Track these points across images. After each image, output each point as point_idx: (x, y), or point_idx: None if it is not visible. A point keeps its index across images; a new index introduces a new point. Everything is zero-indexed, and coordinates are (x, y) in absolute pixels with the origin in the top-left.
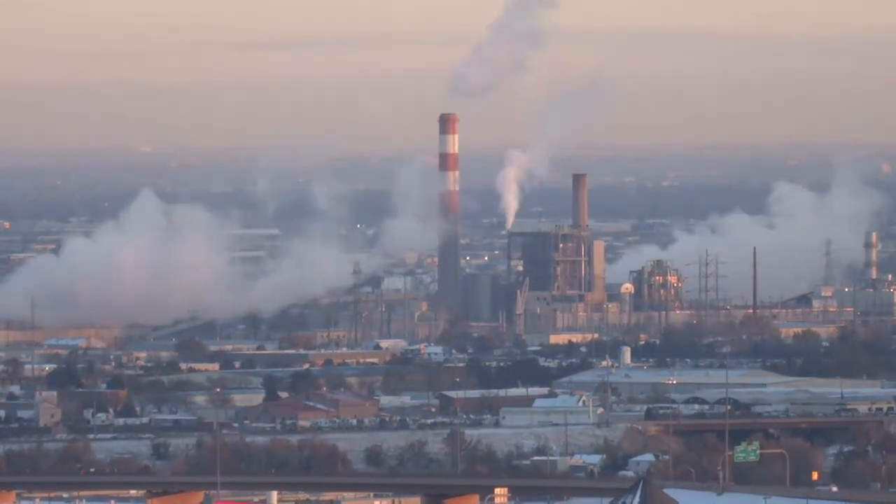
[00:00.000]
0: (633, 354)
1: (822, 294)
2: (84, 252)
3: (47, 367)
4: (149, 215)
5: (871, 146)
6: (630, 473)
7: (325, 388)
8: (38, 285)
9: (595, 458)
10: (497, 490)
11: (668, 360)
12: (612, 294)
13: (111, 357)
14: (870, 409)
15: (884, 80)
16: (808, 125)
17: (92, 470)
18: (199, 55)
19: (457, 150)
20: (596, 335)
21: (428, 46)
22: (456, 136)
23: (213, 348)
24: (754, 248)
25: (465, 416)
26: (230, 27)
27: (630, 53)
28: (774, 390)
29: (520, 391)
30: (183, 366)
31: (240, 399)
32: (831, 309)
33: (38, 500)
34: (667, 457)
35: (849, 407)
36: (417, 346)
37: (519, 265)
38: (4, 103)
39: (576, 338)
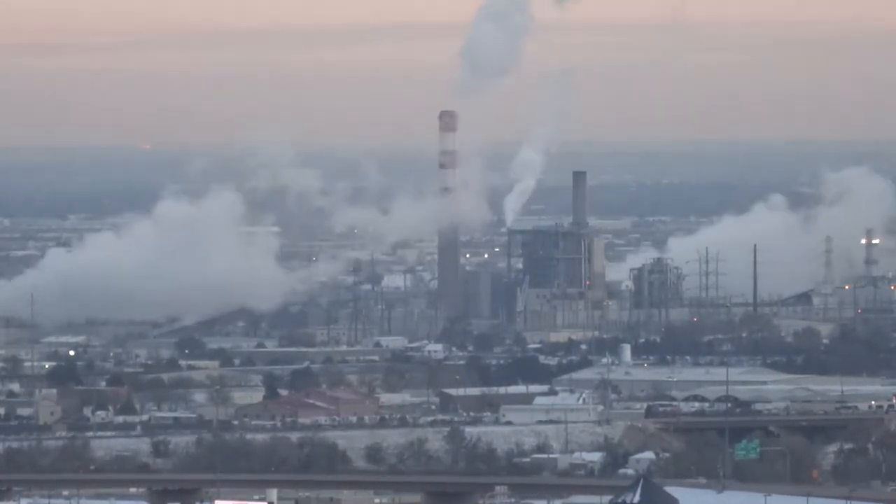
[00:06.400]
0: (633, 352)
1: (823, 291)
2: (84, 249)
3: (47, 365)
4: (148, 213)
5: (874, 144)
6: (630, 471)
7: (324, 386)
8: (38, 282)
9: (595, 456)
10: (497, 488)
11: (668, 357)
12: (613, 291)
13: (111, 355)
14: (870, 407)
15: (885, 77)
16: (810, 122)
17: (92, 468)
18: (196, 51)
19: (457, 148)
20: (596, 333)
21: (428, 40)
22: (456, 134)
23: (212, 346)
24: (755, 246)
25: (465, 414)
26: (226, 22)
27: (629, 48)
28: (775, 388)
29: (520, 389)
30: (182, 363)
31: (239, 397)
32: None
33: (37, 498)
34: (667, 455)
35: (849, 404)
36: (417, 344)
37: (519, 263)
38: (4, 100)
39: (576, 335)
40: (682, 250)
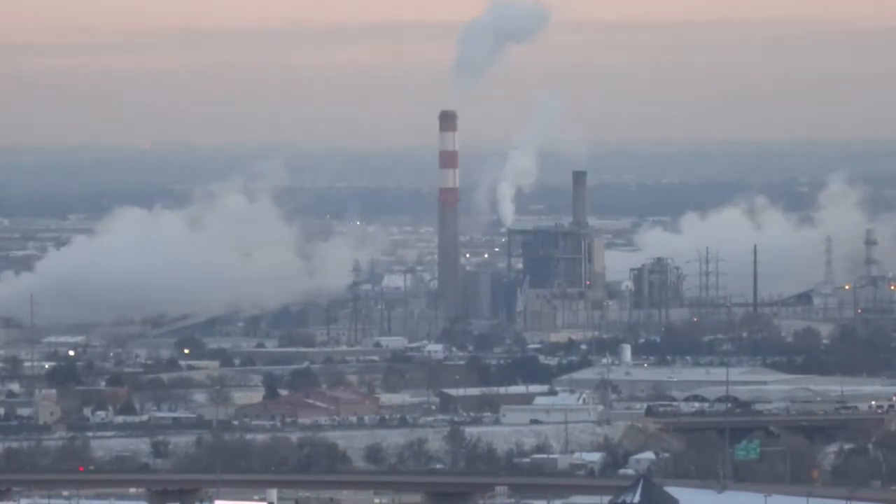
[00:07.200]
0: (633, 352)
1: (823, 291)
2: (84, 249)
3: (47, 365)
4: (149, 213)
5: (874, 143)
6: (630, 471)
7: (324, 386)
8: (37, 282)
9: (595, 456)
10: (497, 488)
11: (668, 357)
12: (613, 291)
13: (111, 355)
14: (870, 407)
15: (886, 77)
16: (810, 122)
17: (91, 468)
18: (196, 51)
19: (457, 148)
20: (596, 333)
21: (427, 40)
22: (456, 133)
23: (212, 346)
24: (755, 246)
25: (465, 414)
26: (226, 22)
27: (629, 47)
28: (775, 388)
29: (520, 389)
30: (182, 363)
31: (239, 397)
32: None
33: (37, 499)
34: (667, 455)
35: (849, 405)
36: (417, 344)
37: (519, 263)
38: (4, 100)
39: (576, 335)
40: (682, 250)
